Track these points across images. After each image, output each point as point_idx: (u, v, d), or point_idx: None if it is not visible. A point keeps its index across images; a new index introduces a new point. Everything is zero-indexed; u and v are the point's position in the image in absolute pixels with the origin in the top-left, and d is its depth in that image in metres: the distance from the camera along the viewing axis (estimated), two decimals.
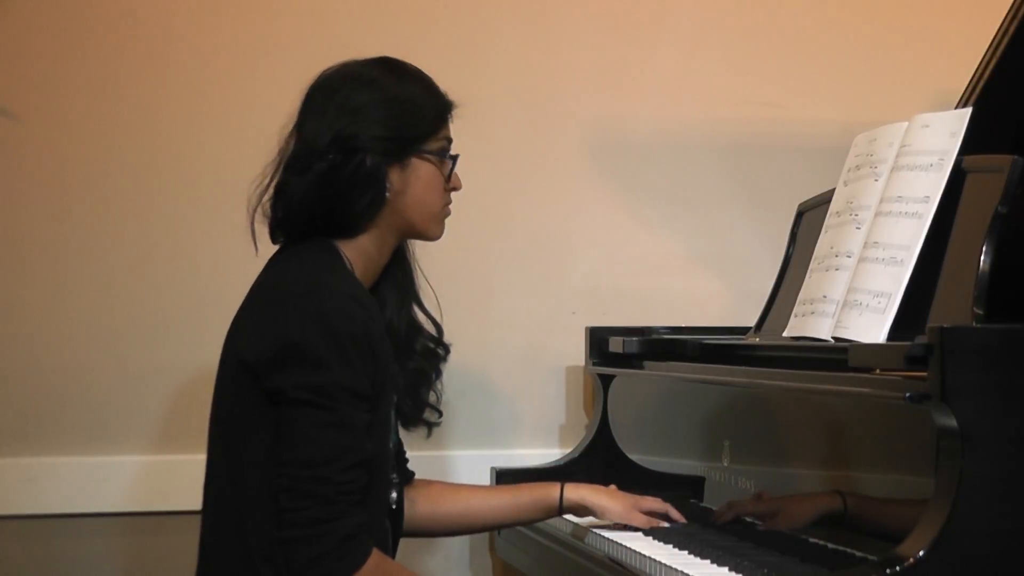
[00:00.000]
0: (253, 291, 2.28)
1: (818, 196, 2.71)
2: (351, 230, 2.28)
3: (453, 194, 2.37)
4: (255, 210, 2.32)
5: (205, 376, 3.06)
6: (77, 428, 3.11)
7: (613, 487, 2.58)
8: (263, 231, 2.34)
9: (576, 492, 2.52)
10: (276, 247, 2.35)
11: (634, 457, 2.92)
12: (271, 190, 2.31)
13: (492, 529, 2.75)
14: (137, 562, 3.14)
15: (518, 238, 3.27)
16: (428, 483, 2.57)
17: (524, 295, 3.28)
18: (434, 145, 2.32)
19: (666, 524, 2.50)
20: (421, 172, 2.30)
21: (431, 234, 2.36)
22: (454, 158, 2.35)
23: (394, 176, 2.28)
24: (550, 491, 2.52)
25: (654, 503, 2.52)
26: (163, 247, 3.15)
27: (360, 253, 2.29)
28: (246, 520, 2.17)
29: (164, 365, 3.13)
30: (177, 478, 3.07)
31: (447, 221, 2.38)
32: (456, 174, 2.36)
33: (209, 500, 2.26)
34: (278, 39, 3.20)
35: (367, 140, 2.25)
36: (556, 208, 3.30)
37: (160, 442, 3.13)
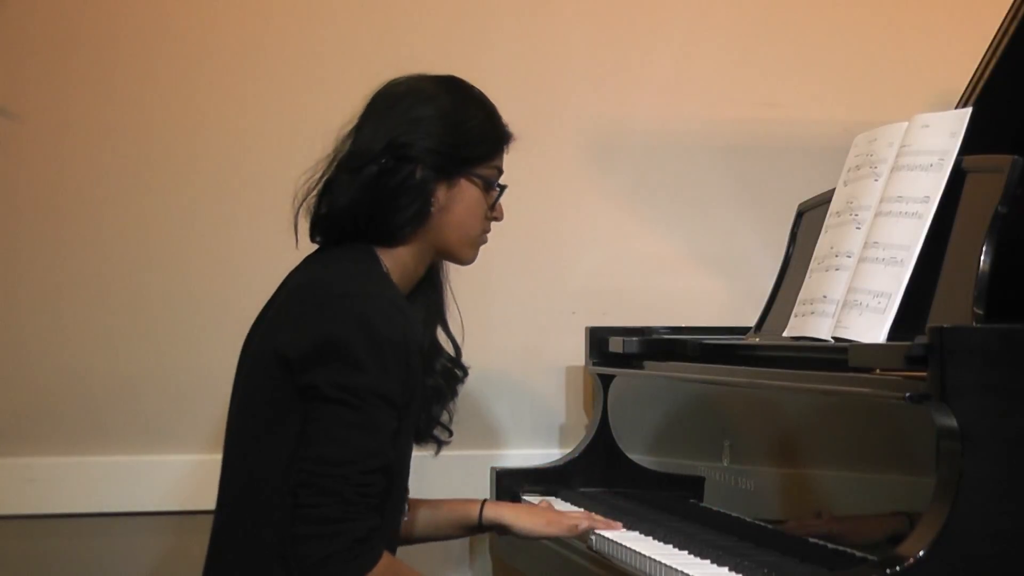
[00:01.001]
0: (292, 289, 2.28)
1: (818, 196, 2.71)
2: (391, 239, 2.29)
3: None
4: (301, 203, 2.33)
5: (204, 376, 3.07)
6: (77, 428, 3.11)
7: (545, 503, 2.58)
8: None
9: (495, 511, 2.50)
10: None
11: (634, 457, 2.92)
12: (320, 186, 2.31)
13: (418, 543, 2.55)
14: (137, 562, 3.13)
15: (518, 238, 3.26)
16: None
17: (524, 295, 3.28)
18: (484, 171, 2.34)
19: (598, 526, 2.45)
20: (467, 194, 2.32)
21: (464, 257, 2.38)
22: (502, 188, 2.37)
23: (441, 192, 2.30)
24: (470, 509, 2.51)
25: (580, 518, 2.48)
26: (163, 247, 3.14)
27: (398, 263, 2.30)
28: (263, 516, 2.16)
29: (164, 365, 3.12)
30: (175, 478, 3.06)
31: None
32: (500, 205, 2.38)
33: (225, 496, 2.26)
34: (276, 39, 3.20)
35: (420, 151, 2.27)
36: (556, 208, 3.30)
37: (159, 442, 3.12)
